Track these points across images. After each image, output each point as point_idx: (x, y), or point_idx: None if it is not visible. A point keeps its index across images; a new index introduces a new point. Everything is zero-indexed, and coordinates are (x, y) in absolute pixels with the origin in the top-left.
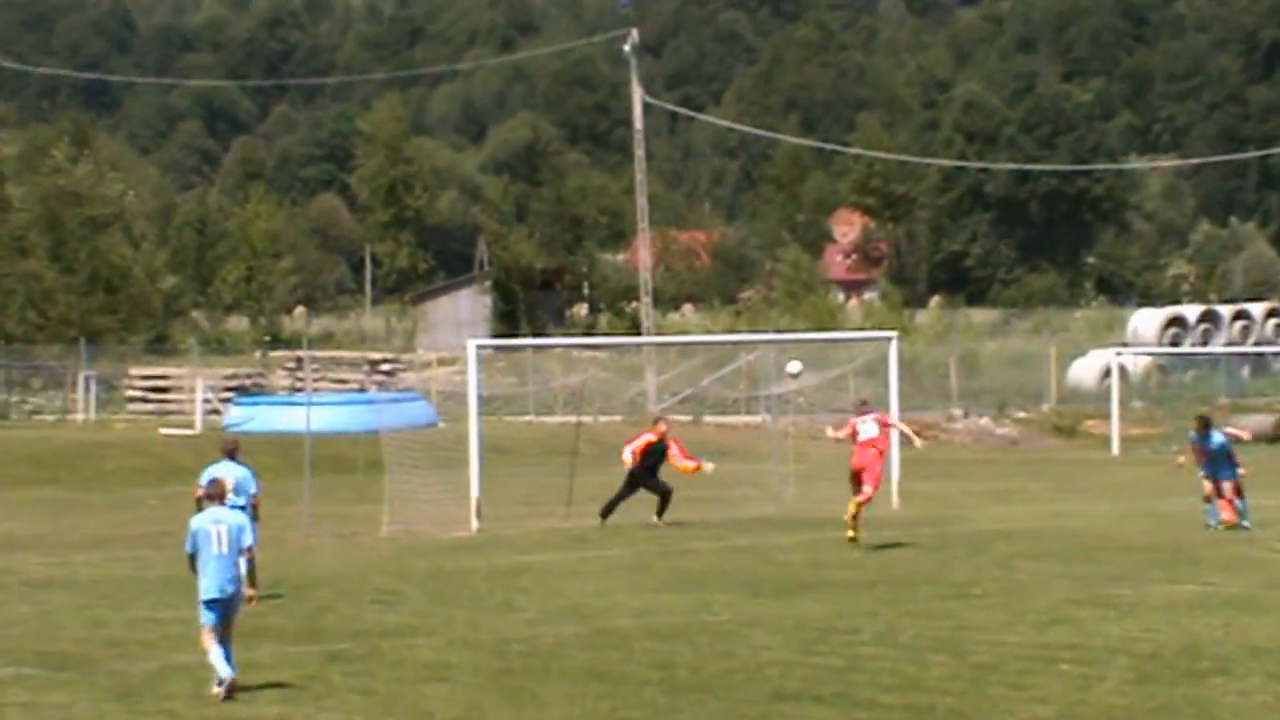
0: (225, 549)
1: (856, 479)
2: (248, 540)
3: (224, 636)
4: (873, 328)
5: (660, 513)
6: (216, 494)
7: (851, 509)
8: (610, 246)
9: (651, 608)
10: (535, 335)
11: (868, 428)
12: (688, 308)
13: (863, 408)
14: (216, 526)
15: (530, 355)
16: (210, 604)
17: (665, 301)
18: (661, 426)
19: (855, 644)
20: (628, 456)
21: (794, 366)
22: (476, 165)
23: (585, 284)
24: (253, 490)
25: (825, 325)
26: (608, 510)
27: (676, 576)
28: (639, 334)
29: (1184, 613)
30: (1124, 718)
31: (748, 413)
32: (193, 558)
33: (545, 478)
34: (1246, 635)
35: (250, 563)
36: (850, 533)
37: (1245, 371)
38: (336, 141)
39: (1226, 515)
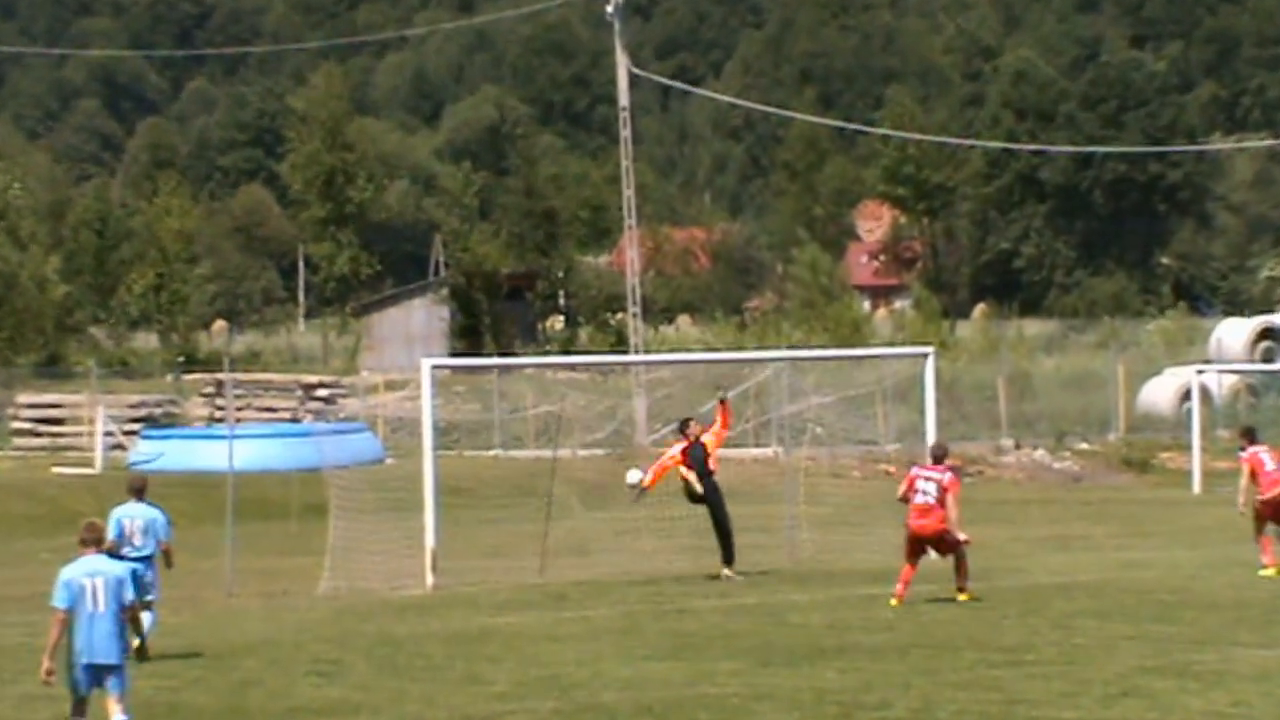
0: (102, 606)
1: (913, 547)
2: (129, 595)
3: (109, 715)
4: (905, 342)
5: (727, 559)
6: (92, 539)
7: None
8: (591, 247)
9: (643, 678)
10: (502, 353)
11: (926, 487)
12: (684, 320)
13: (936, 456)
14: (92, 580)
15: (496, 377)
16: (84, 670)
17: (657, 312)
18: (694, 428)
19: None
20: (634, 478)
21: (633, 476)
22: (431, 150)
23: (561, 292)
24: (162, 535)
25: (849, 340)
26: (727, 555)
27: (672, 641)
28: (626, 351)
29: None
30: None
31: (756, 444)
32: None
33: (515, 524)
34: None
35: (137, 622)
36: (895, 598)
37: None
38: (263, 123)
39: (1267, 559)
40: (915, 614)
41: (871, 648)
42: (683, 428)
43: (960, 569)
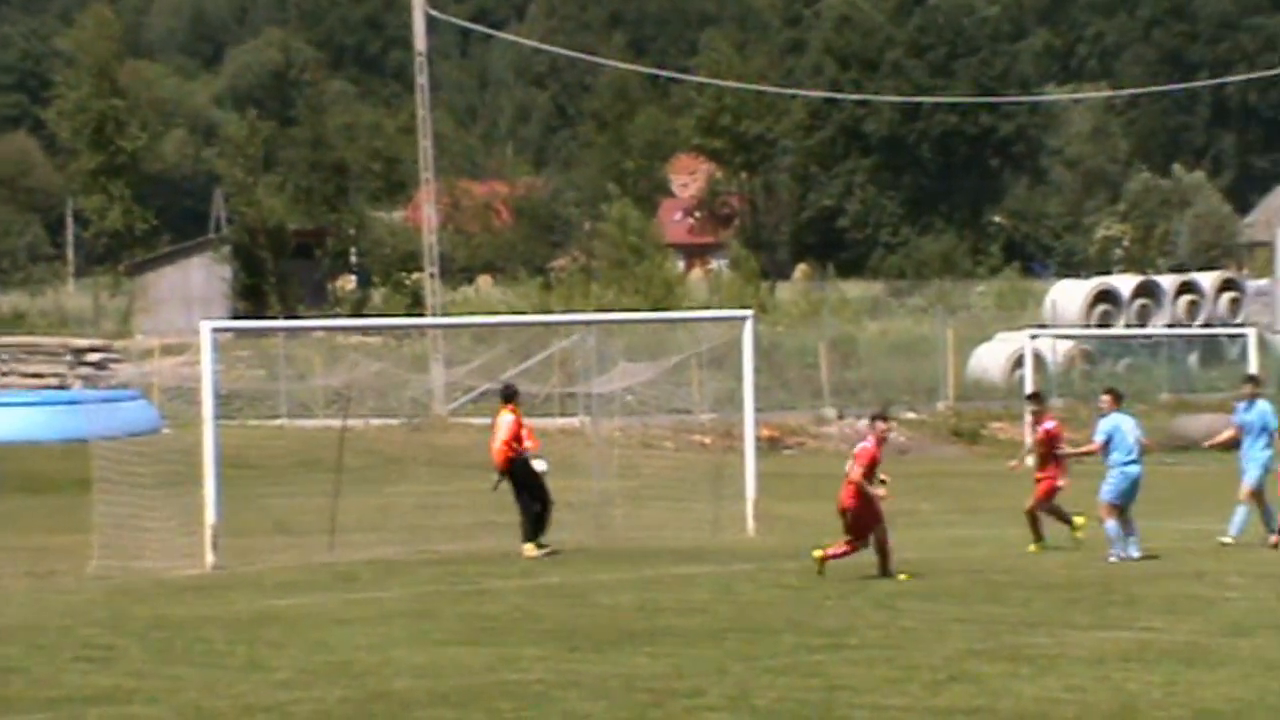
0: None
1: (843, 519)
2: None
3: None
4: (722, 305)
5: (533, 534)
6: None
7: (819, 553)
8: (385, 202)
9: (439, 665)
10: (288, 315)
11: (853, 460)
12: (485, 280)
13: (875, 423)
14: None
15: (282, 341)
16: None
17: (456, 272)
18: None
19: (699, 709)
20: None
21: (538, 465)
22: (211, 97)
23: (353, 250)
24: None
25: (661, 302)
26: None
27: (471, 625)
28: (422, 313)
29: (1116, 667)
30: None
31: (562, 414)
32: None
33: (302, 499)
34: (1193, 695)
35: None
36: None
37: (1192, 359)
38: (27, 66)
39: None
40: (732, 595)
41: (685, 631)
42: (508, 396)
43: (880, 552)
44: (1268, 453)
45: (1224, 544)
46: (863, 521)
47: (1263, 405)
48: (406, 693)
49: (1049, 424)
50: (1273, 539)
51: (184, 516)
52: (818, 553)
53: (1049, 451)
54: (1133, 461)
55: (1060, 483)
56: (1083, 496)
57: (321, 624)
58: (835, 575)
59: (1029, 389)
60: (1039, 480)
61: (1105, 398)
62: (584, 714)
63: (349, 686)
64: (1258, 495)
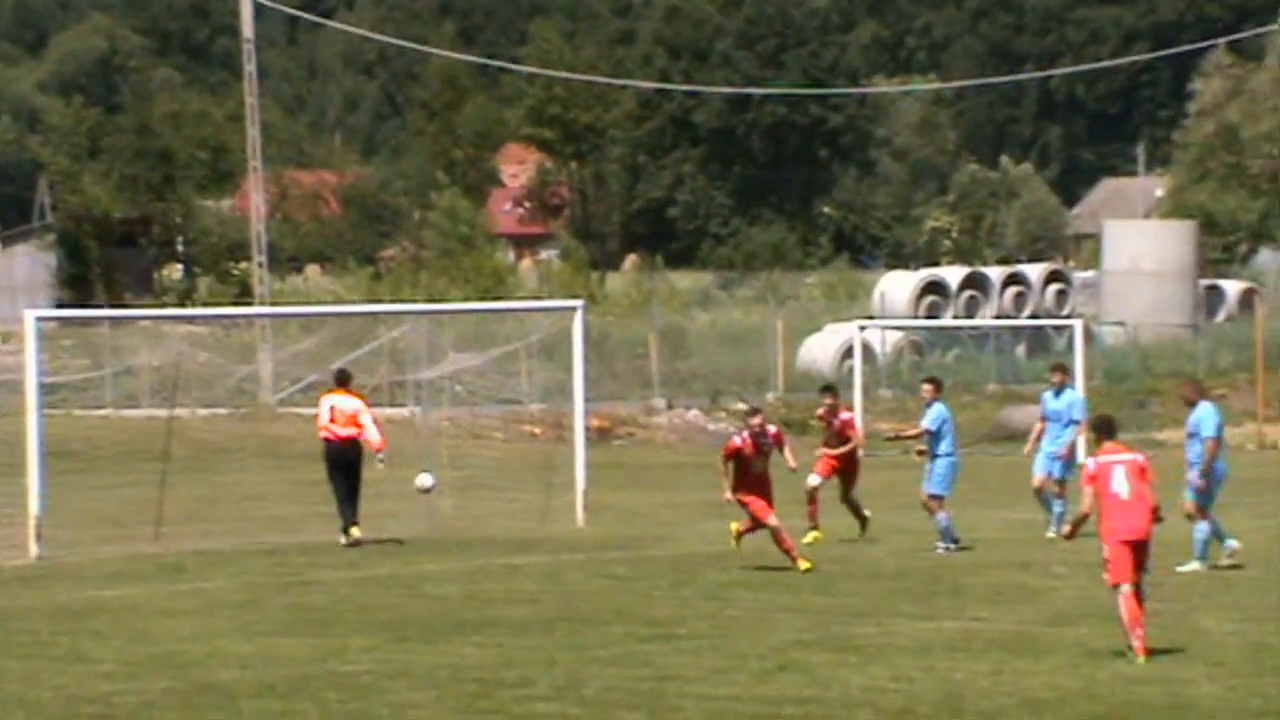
0: None
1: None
2: None
3: None
4: (551, 295)
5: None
6: None
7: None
8: (212, 191)
9: (266, 655)
10: (114, 304)
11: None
12: (313, 269)
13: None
14: None
15: (108, 330)
16: None
17: (284, 261)
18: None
19: (528, 700)
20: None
21: (425, 480)
22: (35, 84)
23: (179, 239)
24: None
25: (491, 292)
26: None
27: (298, 616)
28: (250, 303)
29: (943, 656)
30: None
31: (391, 404)
32: None
33: (128, 489)
34: (1019, 684)
35: None
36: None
37: (1019, 350)
38: None
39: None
40: (561, 585)
41: (514, 621)
42: (344, 380)
43: (775, 539)
44: (1065, 440)
45: (1051, 538)
46: (752, 509)
47: (1071, 394)
48: (233, 684)
49: (845, 414)
50: (1053, 531)
51: (8, 507)
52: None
53: (843, 439)
54: (953, 453)
55: (822, 479)
56: (906, 488)
57: (147, 615)
58: (666, 566)
59: (858, 380)
60: (829, 459)
61: (927, 386)
62: (412, 704)
63: (174, 678)
64: (1059, 485)
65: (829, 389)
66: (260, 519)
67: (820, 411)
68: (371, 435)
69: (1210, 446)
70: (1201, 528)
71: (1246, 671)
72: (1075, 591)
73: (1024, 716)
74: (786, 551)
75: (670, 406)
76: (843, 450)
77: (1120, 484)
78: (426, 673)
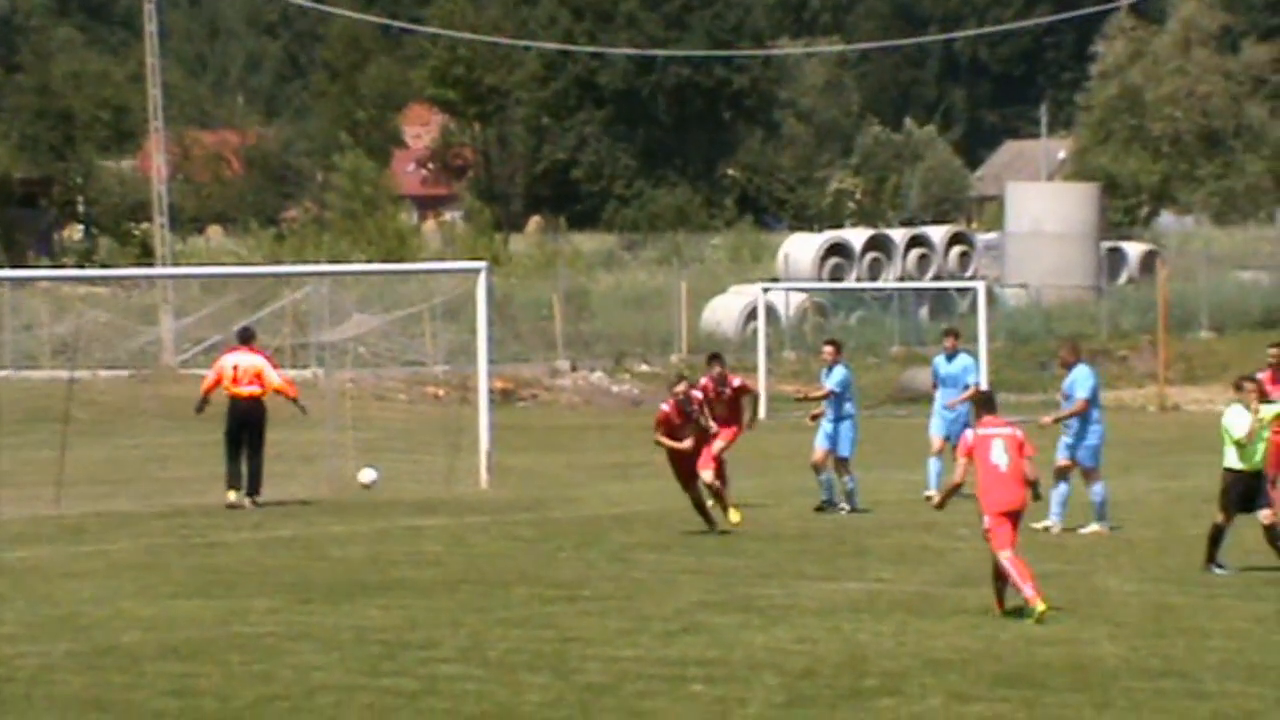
0: None
1: None
2: None
3: None
4: (455, 257)
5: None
6: None
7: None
8: (113, 151)
9: (168, 618)
10: (13, 265)
11: None
12: (215, 230)
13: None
14: None
15: (7, 291)
16: None
17: (186, 222)
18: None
19: (433, 661)
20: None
21: (367, 475)
22: None
23: (80, 199)
24: None
25: (394, 253)
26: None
27: (200, 577)
28: (151, 264)
29: (846, 617)
30: None
31: (294, 366)
32: None
33: (28, 450)
34: (922, 645)
35: None
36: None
37: (923, 312)
38: None
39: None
40: (465, 547)
41: (418, 583)
42: (244, 338)
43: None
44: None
45: (928, 497)
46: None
47: (964, 359)
48: (135, 646)
49: (736, 381)
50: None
51: None
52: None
53: (736, 409)
54: (854, 415)
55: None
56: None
57: (48, 577)
58: (570, 528)
59: (761, 341)
60: (720, 434)
61: (828, 349)
62: (316, 666)
63: (76, 640)
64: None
65: (715, 357)
66: (162, 481)
67: (703, 382)
68: (273, 379)
69: (1079, 406)
70: (1061, 489)
71: (1148, 632)
72: (978, 553)
73: (927, 677)
74: (717, 496)
75: (574, 368)
76: (749, 418)
77: (999, 456)
78: (330, 635)
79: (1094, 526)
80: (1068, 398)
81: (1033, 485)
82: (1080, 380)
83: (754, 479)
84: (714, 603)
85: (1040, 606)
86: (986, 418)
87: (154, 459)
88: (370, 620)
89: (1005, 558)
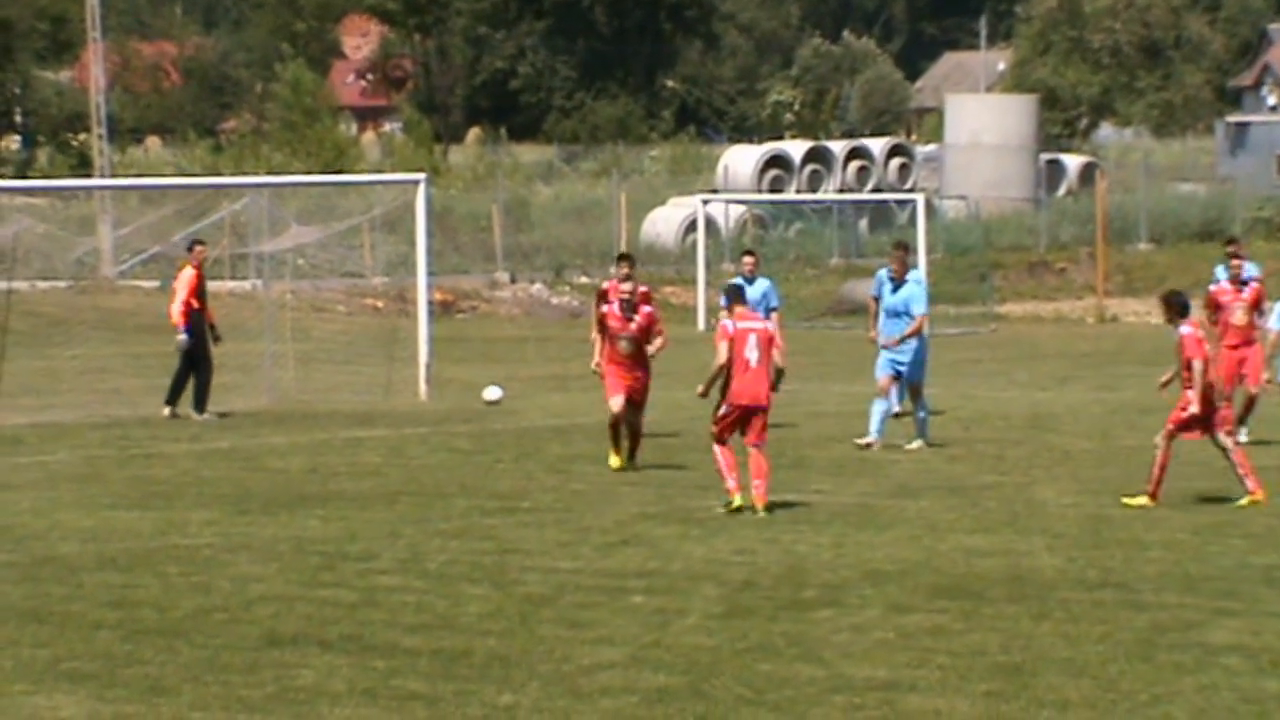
0: None
1: None
2: None
3: None
4: (394, 168)
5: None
6: None
7: None
8: (51, 62)
9: (106, 529)
10: None
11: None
12: (154, 141)
13: (621, 265)
14: None
15: None
16: None
17: (124, 133)
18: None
19: (371, 573)
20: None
21: (493, 392)
22: None
23: (18, 110)
24: None
25: (333, 165)
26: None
27: (138, 489)
28: (89, 175)
29: (785, 529)
30: (710, 660)
31: (234, 277)
32: None
33: None
34: (861, 556)
35: None
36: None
37: (862, 224)
38: None
39: None
40: (404, 459)
41: (357, 495)
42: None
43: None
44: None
45: (867, 445)
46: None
47: (910, 287)
48: (73, 557)
49: (646, 308)
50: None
51: None
52: None
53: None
54: None
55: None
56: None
57: None
58: (509, 440)
59: (701, 254)
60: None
61: (748, 259)
62: (254, 577)
63: (14, 551)
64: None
65: (625, 257)
66: (101, 392)
67: (615, 284)
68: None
69: (920, 323)
70: (880, 404)
71: (1085, 544)
72: (916, 465)
73: (866, 588)
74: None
75: (514, 280)
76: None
77: (751, 350)
78: (268, 546)
79: (917, 443)
80: (900, 314)
81: (778, 375)
82: (916, 296)
83: (687, 389)
84: (653, 514)
85: (737, 500)
86: (739, 309)
87: (92, 370)
88: (309, 531)
89: (720, 446)
